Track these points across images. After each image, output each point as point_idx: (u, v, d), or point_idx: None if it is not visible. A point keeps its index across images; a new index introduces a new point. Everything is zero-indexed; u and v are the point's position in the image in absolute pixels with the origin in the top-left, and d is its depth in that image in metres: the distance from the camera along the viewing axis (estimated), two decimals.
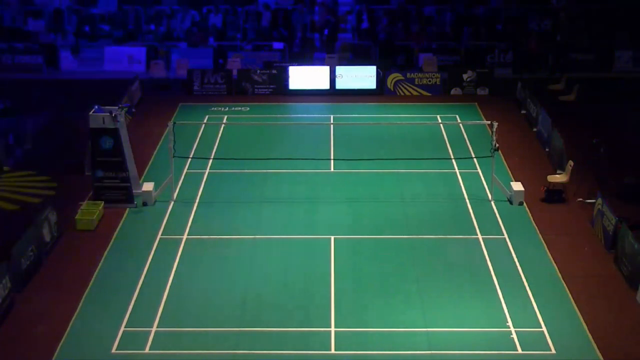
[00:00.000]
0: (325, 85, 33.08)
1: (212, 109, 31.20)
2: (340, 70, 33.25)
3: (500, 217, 22.05)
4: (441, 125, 28.93)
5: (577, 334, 16.87)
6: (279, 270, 19.46)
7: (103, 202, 22.20)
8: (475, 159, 25.40)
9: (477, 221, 21.82)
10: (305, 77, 33.02)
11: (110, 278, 19.08)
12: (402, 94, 33.08)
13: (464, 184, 24.17)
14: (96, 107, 22.59)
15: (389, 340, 16.68)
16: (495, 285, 18.66)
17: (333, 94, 32.83)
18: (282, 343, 16.58)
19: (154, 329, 17.04)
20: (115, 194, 22.53)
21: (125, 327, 17.10)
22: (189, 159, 25.38)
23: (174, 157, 23.08)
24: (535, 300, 18.01)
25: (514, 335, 16.75)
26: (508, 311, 17.60)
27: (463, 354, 16.20)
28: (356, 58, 36.56)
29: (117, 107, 22.93)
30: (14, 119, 28.64)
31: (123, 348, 16.44)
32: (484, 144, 25.43)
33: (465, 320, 17.32)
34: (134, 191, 22.79)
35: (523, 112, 30.67)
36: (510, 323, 17.19)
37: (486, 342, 16.57)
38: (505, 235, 21.06)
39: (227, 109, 31.28)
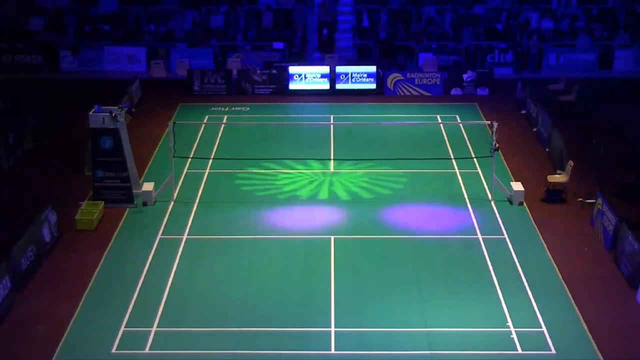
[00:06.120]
0: (325, 85, 33.09)
1: (212, 109, 31.21)
2: (340, 70, 33.27)
3: (500, 217, 22.05)
4: (441, 125, 28.93)
5: (577, 334, 16.87)
6: (278, 270, 19.46)
7: (103, 202, 22.20)
8: (475, 159, 25.40)
9: (477, 221, 21.82)
10: (306, 77, 33.03)
11: (110, 278, 19.08)
12: (402, 94, 33.09)
13: (464, 184, 24.17)
14: (96, 107, 22.59)
15: (389, 340, 16.68)
16: (495, 285, 18.65)
17: (333, 94, 32.85)
18: (282, 343, 16.58)
19: (154, 329, 17.04)
20: (115, 194, 22.53)
21: (125, 327, 17.10)
22: (189, 159, 25.38)
23: (174, 157, 23.08)
24: (535, 300, 18.01)
25: (514, 335, 16.75)
26: (508, 311, 17.60)
27: (463, 354, 16.20)
28: (356, 58, 36.59)
29: (117, 107, 22.95)
30: (14, 119, 28.62)
31: (123, 348, 16.44)
32: (484, 144, 25.44)
33: (465, 320, 17.32)
34: (134, 191, 22.79)
35: (523, 112, 30.68)
36: (510, 323, 17.18)
37: (486, 342, 16.56)
38: (505, 235, 21.05)
39: (227, 109, 31.28)
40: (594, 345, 16.47)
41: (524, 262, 19.69)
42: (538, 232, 21.25)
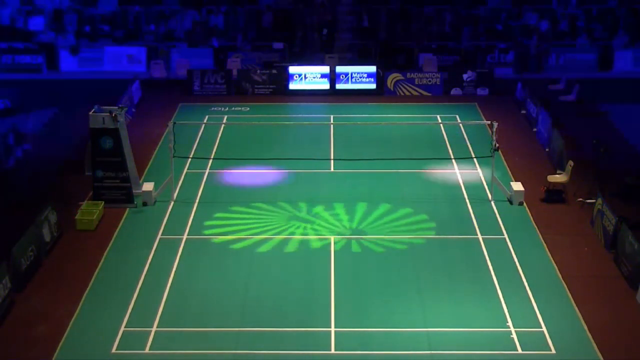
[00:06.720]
0: (325, 85, 33.09)
1: (212, 109, 31.21)
2: (340, 70, 33.28)
3: (500, 217, 22.04)
4: (441, 125, 28.93)
5: (577, 334, 16.86)
6: (278, 270, 19.45)
7: (103, 202, 22.19)
8: (475, 159, 25.40)
9: (477, 221, 21.81)
10: (306, 77, 33.04)
11: (110, 278, 19.08)
12: (402, 94, 33.09)
13: (464, 184, 24.17)
14: (96, 107, 22.60)
15: (389, 340, 16.67)
16: (495, 285, 18.65)
17: (333, 94, 32.85)
18: (282, 343, 16.57)
19: (154, 329, 17.03)
20: (115, 194, 22.53)
21: (125, 327, 17.09)
22: (189, 159, 25.38)
23: (174, 157, 23.08)
24: (535, 300, 18.00)
25: (514, 335, 16.74)
26: (508, 311, 17.59)
27: (463, 354, 16.19)
28: (356, 58, 36.61)
29: (117, 107, 22.95)
30: (14, 118, 28.63)
31: (123, 348, 16.43)
32: (484, 144, 25.43)
33: (465, 320, 17.31)
34: (134, 191, 22.79)
35: (523, 112, 30.69)
36: (510, 323, 17.18)
37: (486, 342, 16.56)
38: (505, 235, 21.05)
39: (227, 109, 31.28)
40: (594, 345, 16.47)
41: (524, 262, 19.69)
42: (538, 232, 21.25)
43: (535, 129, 28.55)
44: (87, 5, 38.98)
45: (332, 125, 28.86)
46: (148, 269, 19.46)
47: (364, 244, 20.55)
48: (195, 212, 22.39)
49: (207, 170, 25.07)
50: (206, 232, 21.28)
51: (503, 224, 21.64)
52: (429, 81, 33.21)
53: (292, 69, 33.17)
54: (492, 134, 23.22)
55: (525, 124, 29.59)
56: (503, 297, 18.16)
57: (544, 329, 16.99)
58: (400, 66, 35.46)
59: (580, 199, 22.72)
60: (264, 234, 21.05)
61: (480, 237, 20.98)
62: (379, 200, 22.71)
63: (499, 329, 17.01)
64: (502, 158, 25.62)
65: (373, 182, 24.32)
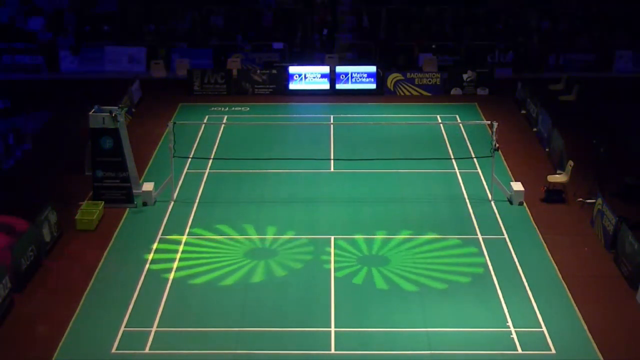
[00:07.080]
0: (325, 85, 33.09)
1: (212, 109, 31.21)
2: (340, 70, 33.28)
3: (500, 217, 22.04)
4: (441, 125, 28.94)
5: (577, 334, 16.87)
6: (279, 270, 19.45)
7: (103, 202, 22.19)
8: (475, 159, 25.40)
9: (477, 221, 21.81)
10: (306, 77, 33.04)
11: (110, 278, 19.08)
12: (402, 94, 33.09)
13: (464, 184, 24.17)
14: (96, 107, 22.60)
15: (389, 340, 16.67)
16: (495, 285, 18.65)
17: (333, 94, 32.85)
18: (282, 343, 16.57)
19: (154, 329, 17.03)
20: (115, 194, 22.53)
21: (125, 327, 17.09)
22: (189, 159, 25.38)
23: (174, 157, 23.08)
24: (535, 300, 18.00)
25: (514, 335, 16.74)
26: (508, 311, 17.59)
27: (463, 354, 16.19)
28: (356, 58, 36.61)
29: (117, 107, 22.96)
30: (14, 119, 28.64)
31: (123, 348, 16.43)
32: (484, 144, 25.44)
33: (465, 320, 17.31)
34: (134, 191, 22.79)
35: (523, 112, 30.69)
36: (510, 323, 17.18)
37: (486, 342, 16.56)
38: (505, 235, 21.05)
39: (227, 109, 31.28)
40: (594, 345, 16.47)
41: (524, 262, 19.69)
42: (538, 232, 21.25)
43: (535, 129, 28.55)
44: (87, 5, 38.98)
45: (332, 125, 28.87)
46: (148, 268, 19.46)
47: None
48: (195, 212, 22.39)
49: (207, 170, 25.06)
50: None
51: (503, 224, 21.64)
52: (429, 81, 33.21)
53: (292, 69, 33.17)
54: (492, 134, 23.22)
55: (525, 124, 29.59)
56: (503, 297, 18.16)
57: (544, 329, 16.99)
58: (400, 66, 35.46)
59: (580, 199, 22.72)
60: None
61: (480, 237, 20.97)
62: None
63: (499, 329, 17.01)
64: (502, 158, 25.62)
65: (373, 182, 24.33)
